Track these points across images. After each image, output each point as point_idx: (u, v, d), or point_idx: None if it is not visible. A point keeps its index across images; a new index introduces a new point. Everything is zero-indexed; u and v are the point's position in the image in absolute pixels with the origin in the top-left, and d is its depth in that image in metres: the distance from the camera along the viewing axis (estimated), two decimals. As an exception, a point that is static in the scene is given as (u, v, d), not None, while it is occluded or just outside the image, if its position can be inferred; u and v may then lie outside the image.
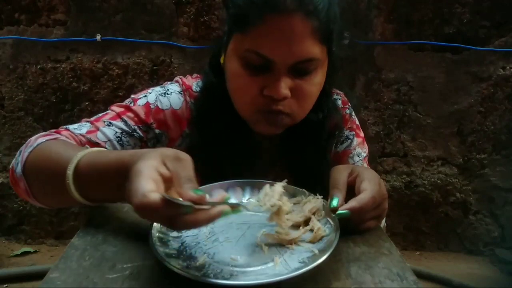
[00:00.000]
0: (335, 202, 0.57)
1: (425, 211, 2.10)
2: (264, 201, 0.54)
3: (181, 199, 0.44)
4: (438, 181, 2.06)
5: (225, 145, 0.73)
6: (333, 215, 0.56)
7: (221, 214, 0.44)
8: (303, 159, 0.78)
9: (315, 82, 0.66)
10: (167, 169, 0.46)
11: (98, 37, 1.82)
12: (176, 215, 0.42)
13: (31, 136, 0.66)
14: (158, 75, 1.89)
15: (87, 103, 1.91)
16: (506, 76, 1.90)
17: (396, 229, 2.12)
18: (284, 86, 0.62)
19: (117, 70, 1.88)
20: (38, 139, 0.64)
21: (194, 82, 0.80)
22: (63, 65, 1.86)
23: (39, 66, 1.86)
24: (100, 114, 0.74)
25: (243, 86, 0.66)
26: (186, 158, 0.48)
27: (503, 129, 1.97)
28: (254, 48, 0.61)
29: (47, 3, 1.79)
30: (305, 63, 0.63)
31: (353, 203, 0.55)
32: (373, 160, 2.03)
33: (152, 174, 0.44)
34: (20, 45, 1.84)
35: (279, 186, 0.56)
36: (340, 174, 0.61)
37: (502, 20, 1.83)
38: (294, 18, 0.58)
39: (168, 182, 0.45)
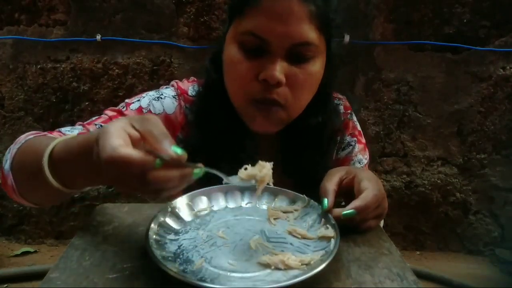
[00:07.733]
0: (325, 203, 0.58)
1: (425, 211, 2.10)
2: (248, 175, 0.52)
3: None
4: (438, 181, 2.06)
5: (222, 144, 0.73)
6: (330, 215, 0.57)
7: (192, 174, 0.43)
8: (302, 162, 0.77)
9: (312, 71, 0.65)
10: (135, 130, 0.44)
11: (98, 37, 1.82)
12: (146, 171, 0.40)
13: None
14: (158, 75, 1.90)
15: (87, 103, 1.91)
16: (506, 76, 1.90)
17: (396, 229, 2.12)
18: (280, 70, 0.62)
19: (117, 70, 1.88)
20: (27, 137, 0.64)
21: (190, 86, 0.79)
22: (63, 65, 1.86)
23: (39, 66, 1.86)
24: (94, 118, 0.74)
25: (238, 71, 0.65)
26: (154, 117, 0.46)
27: (503, 129, 1.96)
28: (251, 29, 0.62)
29: (47, 3, 1.79)
30: (301, 47, 0.63)
31: (357, 202, 0.57)
32: (373, 160, 2.03)
33: (121, 133, 0.42)
34: (20, 45, 1.84)
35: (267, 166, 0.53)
36: (329, 176, 0.63)
37: (502, 20, 1.83)
38: (292, 0, 0.60)
39: (136, 143, 0.43)
